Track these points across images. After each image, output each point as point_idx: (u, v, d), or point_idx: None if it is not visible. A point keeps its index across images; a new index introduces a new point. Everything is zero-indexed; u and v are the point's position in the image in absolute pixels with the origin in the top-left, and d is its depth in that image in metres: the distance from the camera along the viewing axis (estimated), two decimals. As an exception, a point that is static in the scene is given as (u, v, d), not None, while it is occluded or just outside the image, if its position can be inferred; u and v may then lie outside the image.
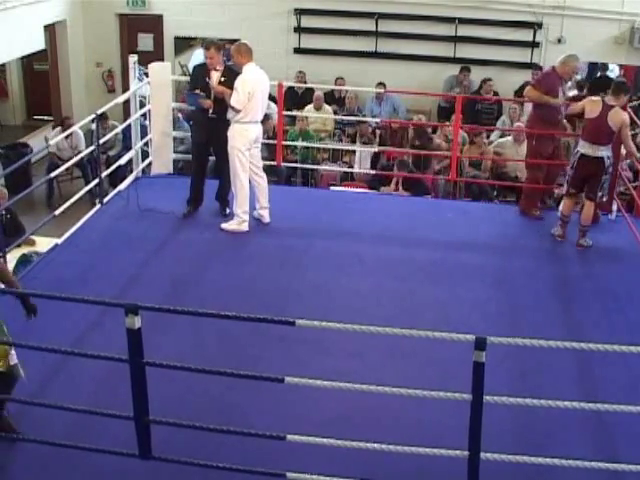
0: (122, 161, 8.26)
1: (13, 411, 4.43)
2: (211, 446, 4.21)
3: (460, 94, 10.96)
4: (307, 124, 10.76)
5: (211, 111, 7.15)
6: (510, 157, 9.86)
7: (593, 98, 7.07)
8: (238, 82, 6.79)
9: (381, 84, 11.34)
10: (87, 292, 5.49)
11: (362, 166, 10.07)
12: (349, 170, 10.07)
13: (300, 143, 10.08)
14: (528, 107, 11.25)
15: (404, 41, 12.01)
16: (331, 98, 11.75)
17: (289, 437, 3.86)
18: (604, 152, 6.84)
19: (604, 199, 7.12)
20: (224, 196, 7.47)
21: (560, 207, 7.33)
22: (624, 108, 6.99)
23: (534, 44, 11.82)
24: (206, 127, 7.24)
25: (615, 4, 11.42)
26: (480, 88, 11.61)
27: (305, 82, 11.82)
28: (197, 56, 12.86)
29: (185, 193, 7.46)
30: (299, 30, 12.28)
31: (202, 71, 7.27)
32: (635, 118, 7.68)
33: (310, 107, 11.25)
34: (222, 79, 7.11)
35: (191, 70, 7.74)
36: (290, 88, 11.56)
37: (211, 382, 4.35)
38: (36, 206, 10.33)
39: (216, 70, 7.16)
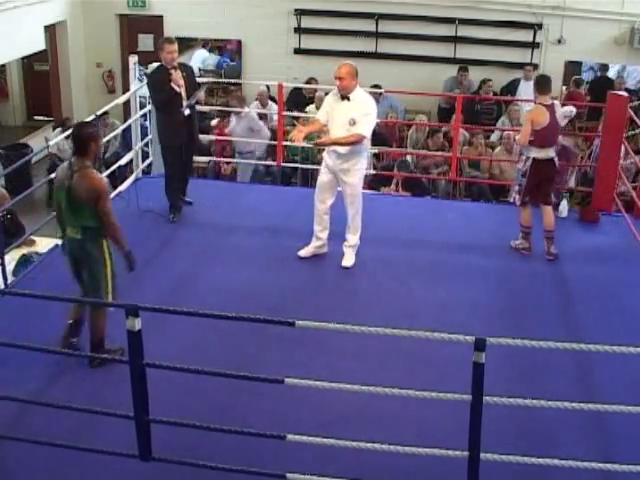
0: (122, 161, 8.27)
1: (12, 412, 4.44)
2: (211, 446, 4.21)
3: (461, 94, 10.96)
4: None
5: (188, 111, 6.98)
6: (504, 167, 9.85)
7: (534, 110, 6.72)
8: (371, 107, 6.15)
9: (376, 86, 11.27)
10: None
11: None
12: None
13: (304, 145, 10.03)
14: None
15: (404, 42, 12.00)
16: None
17: (289, 437, 3.86)
18: (552, 152, 6.77)
19: (554, 200, 7.07)
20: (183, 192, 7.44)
21: (519, 219, 6.95)
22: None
23: (534, 45, 11.81)
24: (183, 128, 7.02)
25: (615, 4, 11.42)
26: (479, 89, 11.60)
27: (316, 90, 11.65)
28: (197, 56, 12.88)
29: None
30: (299, 31, 12.28)
31: (163, 73, 6.96)
32: (635, 118, 7.67)
33: (312, 107, 11.23)
34: (183, 74, 6.95)
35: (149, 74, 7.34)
36: (298, 90, 11.58)
37: (211, 382, 4.35)
38: (36, 206, 10.31)
39: (175, 68, 6.94)
